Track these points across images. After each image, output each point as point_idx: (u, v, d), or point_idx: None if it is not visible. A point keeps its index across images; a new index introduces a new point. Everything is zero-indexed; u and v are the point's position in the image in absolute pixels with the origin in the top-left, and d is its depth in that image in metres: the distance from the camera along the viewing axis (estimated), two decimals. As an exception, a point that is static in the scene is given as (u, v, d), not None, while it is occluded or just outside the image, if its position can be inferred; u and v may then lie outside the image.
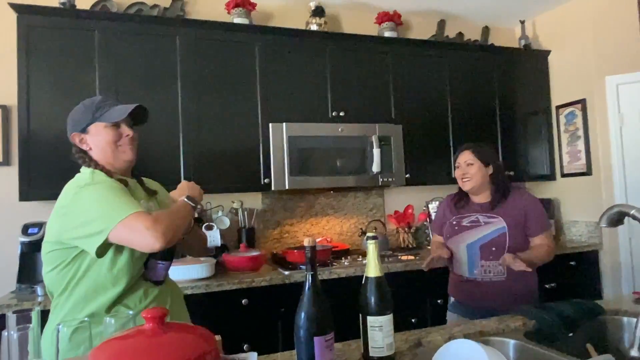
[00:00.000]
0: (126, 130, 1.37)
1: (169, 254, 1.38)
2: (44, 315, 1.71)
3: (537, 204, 1.96)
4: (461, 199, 2.06)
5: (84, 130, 1.35)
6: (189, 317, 1.51)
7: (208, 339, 0.76)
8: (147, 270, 1.35)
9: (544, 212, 1.97)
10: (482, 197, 2.01)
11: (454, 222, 2.01)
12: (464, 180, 1.99)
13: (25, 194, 2.29)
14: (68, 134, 1.38)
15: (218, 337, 0.89)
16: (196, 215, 1.41)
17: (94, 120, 1.34)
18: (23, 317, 0.86)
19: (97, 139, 1.34)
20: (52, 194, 2.19)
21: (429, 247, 3.15)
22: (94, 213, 1.20)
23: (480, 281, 1.90)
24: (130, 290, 1.30)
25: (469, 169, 1.97)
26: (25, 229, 2.28)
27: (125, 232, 1.16)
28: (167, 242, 1.16)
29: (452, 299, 2.06)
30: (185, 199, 1.35)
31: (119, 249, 1.27)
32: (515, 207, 1.93)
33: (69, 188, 1.30)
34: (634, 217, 1.06)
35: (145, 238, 1.14)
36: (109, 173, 1.35)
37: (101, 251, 1.20)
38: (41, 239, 2.21)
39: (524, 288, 1.88)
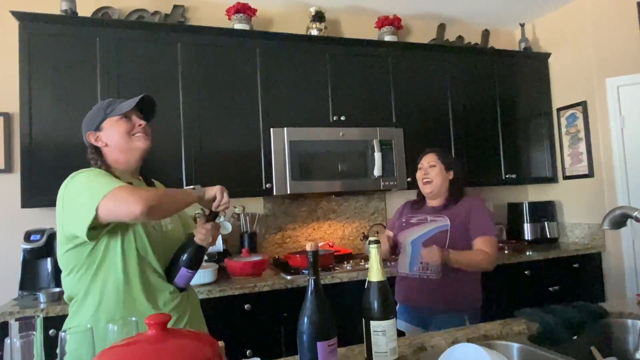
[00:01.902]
0: (138, 120, 1.41)
1: (196, 263, 1.39)
2: (48, 321, 1.71)
3: (481, 208, 1.97)
4: (419, 202, 2.11)
5: (98, 128, 1.38)
6: (205, 324, 1.52)
7: (211, 345, 0.76)
8: (174, 276, 1.36)
9: (488, 218, 1.96)
10: (437, 201, 2.04)
11: (403, 220, 2.07)
12: (424, 181, 2.01)
13: (28, 201, 2.29)
14: (84, 136, 1.40)
15: (221, 343, 0.89)
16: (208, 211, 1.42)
17: (107, 116, 1.38)
18: (26, 325, 0.86)
19: (111, 133, 1.37)
20: (54, 201, 2.18)
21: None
22: (82, 196, 1.21)
23: (417, 278, 1.92)
24: (155, 294, 1.32)
25: (431, 170, 2.00)
26: (27, 236, 2.28)
27: (110, 203, 1.16)
28: (149, 209, 1.15)
29: (397, 305, 2.04)
30: (190, 187, 1.37)
31: (128, 244, 1.28)
32: (462, 209, 1.96)
33: (63, 184, 1.32)
34: (637, 219, 1.06)
35: (128, 204, 1.15)
36: (116, 175, 1.36)
37: (93, 234, 1.21)
38: (43, 246, 2.24)
39: (461, 290, 1.89)
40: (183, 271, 1.36)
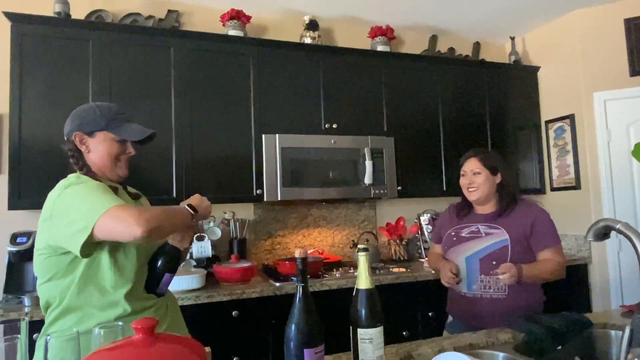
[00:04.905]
0: (130, 149, 1.39)
1: (175, 266, 1.38)
2: (32, 325, 1.68)
3: (545, 217, 1.83)
4: (464, 208, 1.95)
5: (90, 134, 1.34)
6: (186, 328, 1.50)
7: (197, 351, 0.76)
8: (153, 282, 1.34)
9: (553, 225, 1.83)
10: (487, 207, 1.90)
11: (453, 233, 1.91)
12: (470, 189, 1.87)
13: (14, 203, 2.26)
14: (68, 131, 1.36)
15: (208, 349, 0.88)
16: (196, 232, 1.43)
17: (106, 128, 1.34)
18: (10, 328, 0.85)
19: (100, 147, 1.34)
20: (41, 203, 2.15)
21: (421, 260, 3.17)
22: (77, 211, 1.18)
23: (479, 297, 1.78)
24: (132, 301, 1.29)
25: (475, 178, 1.86)
26: (13, 239, 2.25)
27: (108, 222, 1.14)
28: (149, 232, 1.13)
29: (450, 318, 1.94)
30: (186, 205, 1.35)
31: (112, 253, 1.26)
32: (521, 219, 1.81)
33: (53, 191, 1.28)
34: (620, 232, 1.08)
35: (129, 225, 1.12)
36: (96, 178, 1.34)
37: (86, 250, 1.18)
38: (30, 249, 2.21)
39: (526, 306, 1.75)
40: (166, 276, 1.35)
